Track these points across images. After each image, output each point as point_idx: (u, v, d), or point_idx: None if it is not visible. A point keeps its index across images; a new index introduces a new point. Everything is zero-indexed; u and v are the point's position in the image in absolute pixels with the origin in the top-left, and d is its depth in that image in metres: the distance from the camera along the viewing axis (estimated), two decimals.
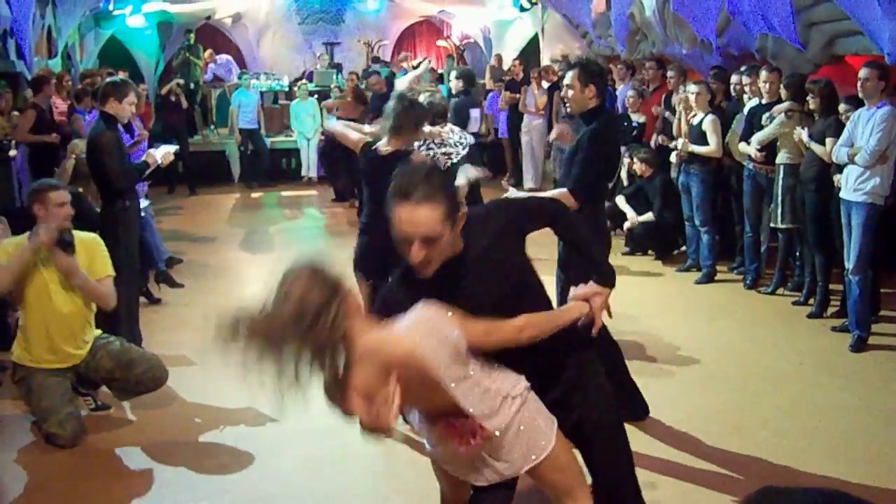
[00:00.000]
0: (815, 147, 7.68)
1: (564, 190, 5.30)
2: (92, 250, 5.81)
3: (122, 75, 10.12)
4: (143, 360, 5.90)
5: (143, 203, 8.40)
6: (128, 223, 6.65)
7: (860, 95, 7.18)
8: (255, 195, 16.10)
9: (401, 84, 7.54)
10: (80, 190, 7.76)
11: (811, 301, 8.20)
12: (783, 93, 8.28)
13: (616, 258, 10.15)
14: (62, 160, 9.45)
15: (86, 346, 5.81)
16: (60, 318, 5.67)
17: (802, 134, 7.81)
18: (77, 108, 11.05)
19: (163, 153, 7.08)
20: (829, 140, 7.51)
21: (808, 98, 7.82)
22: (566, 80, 5.49)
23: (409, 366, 2.73)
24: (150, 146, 7.70)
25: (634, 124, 11.06)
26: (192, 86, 17.51)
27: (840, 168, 7.34)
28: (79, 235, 5.78)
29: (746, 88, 9.01)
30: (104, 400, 6.13)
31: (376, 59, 21.05)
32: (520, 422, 3.07)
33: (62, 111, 11.32)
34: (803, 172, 7.95)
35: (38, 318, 5.64)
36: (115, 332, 6.52)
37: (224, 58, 20.09)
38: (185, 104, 15.94)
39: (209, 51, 19.18)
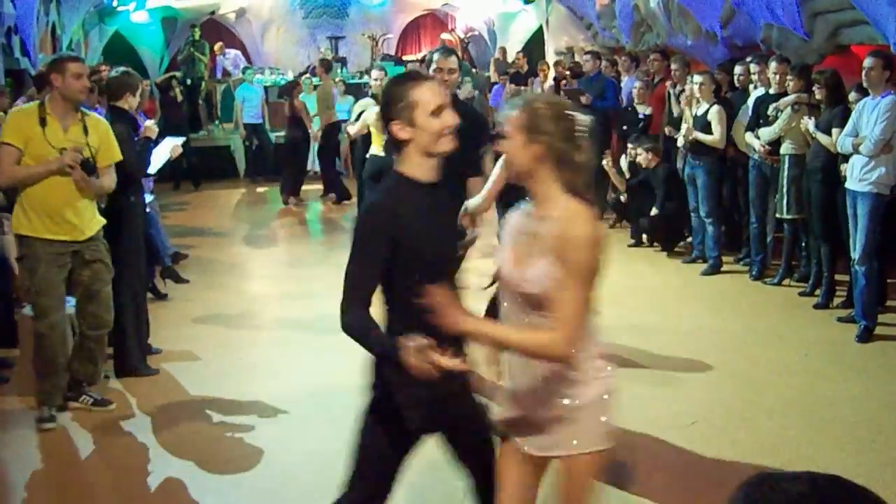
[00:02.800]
0: (822, 137, 7.65)
1: None
2: (103, 135, 5.82)
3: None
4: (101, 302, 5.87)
5: (148, 198, 8.41)
6: (132, 219, 6.61)
7: (864, 85, 7.15)
8: (260, 190, 16.10)
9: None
10: None
11: (817, 292, 8.17)
12: (792, 82, 8.22)
13: (622, 251, 10.15)
14: None
15: (86, 221, 5.74)
16: (59, 183, 5.58)
17: (809, 124, 7.78)
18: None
19: (171, 146, 7.08)
20: (835, 130, 7.47)
21: (815, 88, 7.79)
22: None
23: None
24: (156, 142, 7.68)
25: (641, 116, 11.03)
26: (189, 81, 17.44)
27: (847, 158, 7.31)
28: (91, 118, 5.81)
29: (755, 77, 8.96)
30: (105, 395, 6.13)
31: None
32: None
33: None
34: (810, 163, 7.93)
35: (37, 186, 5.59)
36: (121, 328, 6.53)
37: (233, 52, 20.10)
38: (180, 98, 15.91)
39: (219, 43, 19.17)
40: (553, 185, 2.93)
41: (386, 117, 3.08)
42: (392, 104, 3.05)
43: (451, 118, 3.06)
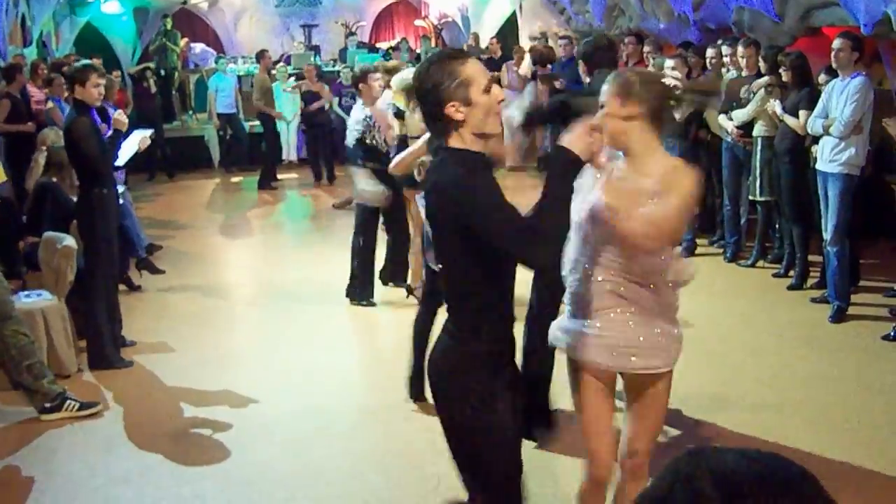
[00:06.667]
0: (788, 119, 7.69)
1: None
2: None
3: (95, 61, 9.99)
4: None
5: (120, 189, 8.35)
6: (105, 211, 6.56)
7: (833, 66, 7.17)
8: (234, 180, 16.02)
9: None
10: (54, 180, 7.71)
11: (791, 273, 8.22)
12: (762, 65, 8.24)
13: None
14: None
15: None
16: None
17: (776, 106, 7.81)
18: (55, 98, 10.93)
19: (139, 138, 7.03)
20: (802, 112, 7.51)
21: (781, 71, 7.82)
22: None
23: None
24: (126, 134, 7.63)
25: None
26: (163, 72, 17.30)
27: (817, 140, 7.34)
28: None
29: (727, 59, 8.95)
30: (88, 397, 5.94)
31: (352, 34, 21.09)
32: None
33: (39, 100, 11.20)
34: (777, 145, 7.96)
35: None
36: (95, 321, 6.50)
37: (199, 46, 19.96)
38: (153, 89, 15.78)
39: (185, 40, 19.02)
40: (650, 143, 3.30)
41: (436, 100, 2.89)
42: (443, 84, 2.87)
43: (499, 93, 2.95)
